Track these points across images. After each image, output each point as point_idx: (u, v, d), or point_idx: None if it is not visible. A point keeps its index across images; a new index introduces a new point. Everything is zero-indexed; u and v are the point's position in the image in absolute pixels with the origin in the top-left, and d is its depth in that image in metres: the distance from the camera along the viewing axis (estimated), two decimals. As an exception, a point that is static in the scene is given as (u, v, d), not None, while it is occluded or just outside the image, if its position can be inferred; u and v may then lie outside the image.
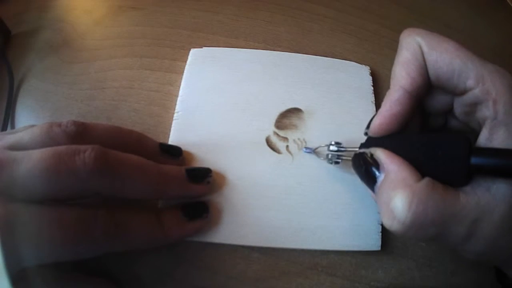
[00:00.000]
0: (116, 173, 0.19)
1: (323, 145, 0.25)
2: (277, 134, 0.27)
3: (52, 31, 0.33)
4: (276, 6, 0.35)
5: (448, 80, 0.18)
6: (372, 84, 0.29)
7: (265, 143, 0.26)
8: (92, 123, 0.21)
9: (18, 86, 0.30)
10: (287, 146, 0.26)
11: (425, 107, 0.21)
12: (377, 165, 0.19)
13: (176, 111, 0.27)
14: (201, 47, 0.30)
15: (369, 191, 0.20)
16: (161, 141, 0.24)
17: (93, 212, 0.18)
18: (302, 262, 0.24)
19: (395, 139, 0.19)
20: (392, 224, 0.17)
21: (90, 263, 0.21)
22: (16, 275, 0.16)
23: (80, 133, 0.20)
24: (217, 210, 0.23)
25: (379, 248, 0.24)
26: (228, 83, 0.28)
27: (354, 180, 0.25)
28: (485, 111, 0.17)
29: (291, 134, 0.27)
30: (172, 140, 0.26)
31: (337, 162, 0.24)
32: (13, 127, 0.28)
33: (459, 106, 0.20)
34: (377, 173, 0.19)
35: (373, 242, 0.24)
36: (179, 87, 0.28)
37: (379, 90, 0.29)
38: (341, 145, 0.24)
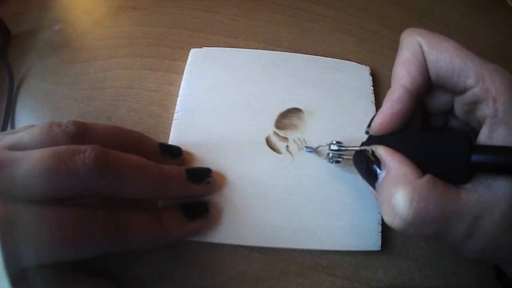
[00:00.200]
0: (116, 173, 0.19)
1: (324, 144, 0.25)
2: (277, 134, 0.27)
3: (52, 31, 0.33)
4: (276, 6, 0.35)
5: (448, 79, 0.18)
6: (372, 84, 0.29)
7: (265, 143, 0.26)
8: (92, 123, 0.21)
9: (18, 86, 0.30)
10: (287, 146, 0.26)
11: (426, 106, 0.21)
12: (378, 162, 0.19)
13: (176, 111, 0.27)
14: (201, 47, 0.30)
15: (370, 188, 0.20)
16: (161, 141, 0.24)
17: (93, 212, 0.18)
18: (302, 262, 0.24)
19: (396, 137, 0.20)
20: (393, 221, 0.17)
21: (90, 263, 0.21)
22: (16, 275, 0.16)
23: (80, 133, 0.20)
24: (217, 210, 0.23)
25: (379, 248, 0.24)
26: (228, 83, 0.28)
27: (354, 180, 0.25)
28: (485, 110, 0.17)
29: (291, 134, 0.27)
30: (172, 140, 0.26)
31: (338, 161, 0.24)
32: (13, 127, 0.28)
33: (459, 105, 0.20)
34: (378, 170, 0.19)
35: (373, 242, 0.24)
36: (179, 87, 0.28)
37: (379, 90, 0.29)
38: (342, 144, 0.24)
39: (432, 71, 0.19)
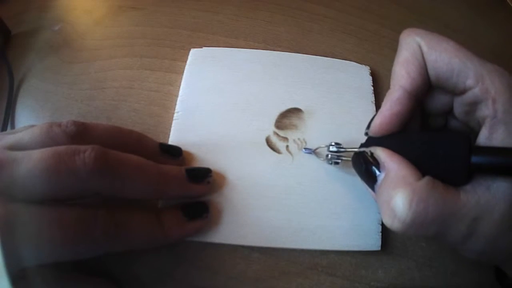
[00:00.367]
0: (116, 173, 0.19)
1: (323, 146, 0.25)
2: (277, 134, 0.27)
3: (52, 31, 0.33)
4: (276, 6, 0.35)
5: (448, 79, 0.18)
6: (372, 84, 0.29)
7: (265, 143, 0.26)
8: (92, 123, 0.21)
9: (18, 86, 0.30)
10: (287, 146, 0.26)
11: (425, 107, 0.21)
12: (377, 164, 0.19)
13: (176, 111, 0.27)
14: (201, 47, 0.30)
15: (369, 190, 0.20)
16: (161, 141, 0.24)
17: (93, 212, 0.18)
18: (302, 262, 0.24)
19: (395, 138, 0.19)
20: (393, 223, 0.17)
21: (90, 263, 0.21)
22: (16, 275, 0.16)
23: (80, 133, 0.20)
24: (217, 210, 0.23)
25: (379, 248, 0.24)
26: (228, 83, 0.28)
27: (354, 180, 0.25)
28: (485, 110, 0.17)
29: (291, 134, 0.27)
30: (172, 140, 0.26)
31: (336, 163, 0.24)
32: (13, 127, 0.28)
33: (459, 106, 0.20)
34: (377, 172, 0.19)
35: (373, 242, 0.24)
36: (179, 87, 0.28)
37: (379, 90, 0.29)
38: (341, 146, 0.24)
39: (431, 72, 0.19)
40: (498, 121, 0.17)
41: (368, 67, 0.30)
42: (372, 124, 0.20)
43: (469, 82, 0.18)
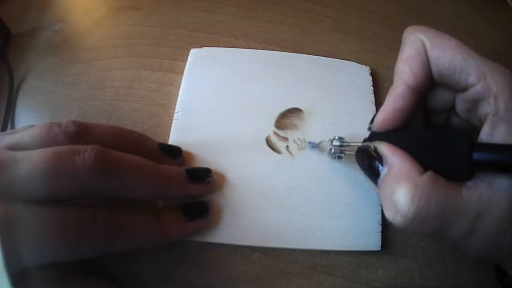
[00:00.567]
0: (116, 173, 0.19)
1: (326, 140, 0.25)
2: (277, 134, 0.27)
3: (52, 31, 0.33)
4: (276, 6, 0.35)
5: (450, 76, 0.18)
6: (372, 84, 0.29)
7: (265, 143, 0.26)
8: (92, 123, 0.21)
9: (18, 86, 0.30)
10: (287, 146, 0.26)
11: (428, 104, 0.21)
12: (380, 158, 0.19)
13: (176, 111, 0.27)
14: (201, 47, 0.30)
15: (371, 185, 0.20)
16: (161, 141, 0.24)
17: (93, 212, 0.18)
18: (302, 262, 0.24)
19: (398, 134, 0.20)
20: (395, 217, 0.17)
21: (90, 263, 0.21)
22: (16, 275, 0.16)
23: (80, 133, 0.20)
24: (217, 210, 0.23)
25: (379, 248, 0.24)
26: (228, 83, 0.28)
27: (354, 180, 0.25)
28: (486, 108, 0.17)
29: (291, 134, 0.27)
30: (172, 140, 0.26)
31: (340, 157, 0.24)
32: (13, 127, 0.28)
33: (460, 103, 0.20)
34: (380, 166, 0.19)
35: (373, 242, 0.24)
36: (179, 87, 0.28)
37: (379, 90, 0.29)
38: (344, 140, 0.24)
39: (434, 69, 0.19)
40: (499, 118, 0.17)
41: (368, 67, 0.30)
42: (375, 119, 0.20)
43: (471, 79, 0.18)
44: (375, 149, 0.20)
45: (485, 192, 0.16)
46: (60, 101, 0.29)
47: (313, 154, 0.26)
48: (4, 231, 0.15)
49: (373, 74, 0.30)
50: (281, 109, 0.27)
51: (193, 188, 0.23)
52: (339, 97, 0.28)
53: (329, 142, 0.24)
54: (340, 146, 0.24)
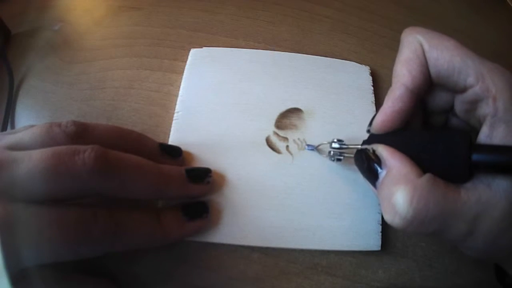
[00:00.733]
0: (116, 173, 0.19)
1: (325, 142, 0.25)
2: (277, 134, 0.27)
3: (52, 31, 0.33)
4: (276, 6, 0.35)
5: (449, 77, 0.18)
6: (372, 84, 0.29)
7: (265, 143, 0.26)
8: (92, 123, 0.21)
9: (18, 86, 0.30)
10: (287, 146, 0.26)
11: (426, 105, 0.21)
12: (379, 161, 0.19)
13: (176, 111, 0.27)
14: (201, 47, 0.30)
15: (371, 187, 0.20)
16: (161, 141, 0.24)
17: (93, 212, 0.18)
18: (302, 262, 0.24)
19: (396, 136, 0.20)
20: (394, 220, 0.17)
21: (90, 263, 0.21)
22: (16, 275, 0.16)
23: (80, 133, 0.20)
24: (217, 210, 0.23)
25: (379, 248, 0.24)
26: (228, 83, 0.28)
27: (354, 180, 0.25)
28: (485, 109, 0.17)
29: (291, 134, 0.27)
30: (172, 140, 0.26)
31: (339, 159, 0.24)
32: (13, 127, 0.28)
33: (459, 104, 0.20)
34: (379, 169, 0.19)
35: (373, 242, 0.24)
36: (179, 87, 0.28)
37: (379, 90, 0.29)
38: (343, 142, 0.24)
39: (432, 70, 0.19)
40: (498, 119, 0.17)
41: (368, 67, 0.30)
42: (374, 121, 0.20)
43: (470, 80, 0.18)
44: (374, 152, 0.20)
45: (484, 193, 0.16)
46: (60, 101, 0.29)
47: (313, 154, 0.26)
48: (4, 231, 0.15)
49: (373, 74, 0.30)
50: (281, 109, 0.27)
51: (193, 188, 0.23)
52: (339, 97, 0.28)
53: (328, 145, 0.24)
54: (339, 148, 0.24)
